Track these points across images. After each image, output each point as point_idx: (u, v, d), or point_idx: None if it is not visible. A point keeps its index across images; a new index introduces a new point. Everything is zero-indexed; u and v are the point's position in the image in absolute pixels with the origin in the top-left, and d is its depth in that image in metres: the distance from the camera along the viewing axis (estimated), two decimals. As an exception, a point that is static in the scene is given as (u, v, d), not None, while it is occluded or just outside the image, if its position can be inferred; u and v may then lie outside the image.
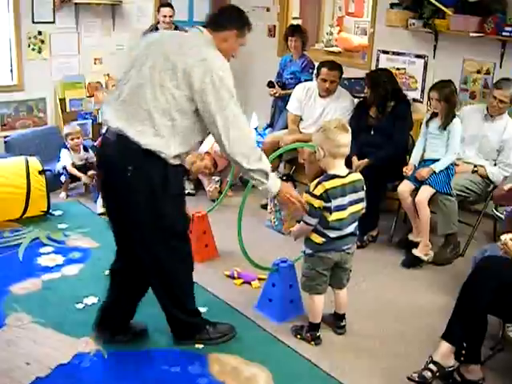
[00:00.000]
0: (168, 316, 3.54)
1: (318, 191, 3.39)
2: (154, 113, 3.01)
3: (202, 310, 3.90)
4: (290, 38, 6.54)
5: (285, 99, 6.28)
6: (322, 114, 5.66)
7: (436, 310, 4.14)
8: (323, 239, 3.47)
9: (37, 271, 4.41)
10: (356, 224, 3.62)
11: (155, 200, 3.09)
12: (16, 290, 4.15)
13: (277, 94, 6.57)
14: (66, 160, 5.96)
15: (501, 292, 3.13)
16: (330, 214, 3.41)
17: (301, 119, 5.85)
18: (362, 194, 3.60)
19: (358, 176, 3.60)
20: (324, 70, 5.57)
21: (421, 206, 4.76)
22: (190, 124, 3.10)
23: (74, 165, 5.95)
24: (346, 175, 3.49)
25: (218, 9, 3.39)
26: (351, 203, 3.50)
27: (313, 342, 3.67)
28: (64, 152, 6.03)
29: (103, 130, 3.34)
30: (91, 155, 6.00)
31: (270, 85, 6.59)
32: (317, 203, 3.40)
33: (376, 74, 5.27)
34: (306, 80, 6.23)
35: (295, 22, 7.40)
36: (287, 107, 5.95)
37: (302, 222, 3.51)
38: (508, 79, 4.99)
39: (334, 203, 3.41)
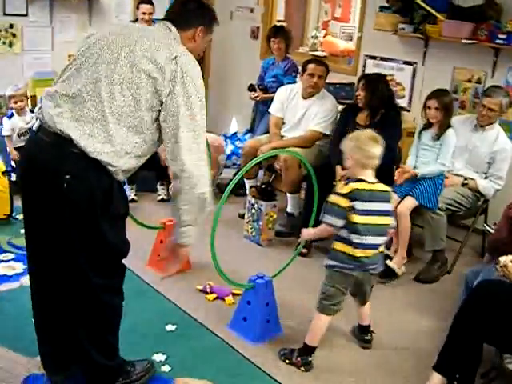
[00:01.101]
0: (85, 360, 2.88)
1: (346, 190, 3.22)
2: (108, 115, 2.52)
3: (171, 327, 3.63)
4: (272, 39, 6.26)
5: (267, 103, 6.02)
6: (304, 116, 5.39)
7: (422, 333, 3.88)
8: (350, 247, 3.26)
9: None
10: (384, 241, 3.38)
11: (94, 219, 2.58)
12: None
13: (258, 98, 6.30)
14: (6, 129, 5.62)
15: (499, 320, 2.87)
16: (357, 215, 3.21)
17: (282, 123, 5.57)
18: (390, 207, 3.40)
19: (387, 187, 3.39)
20: (311, 65, 5.34)
21: (402, 216, 4.51)
22: (148, 133, 2.65)
23: (18, 134, 5.63)
24: (375, 183, 3.32)
25: (180, 2, 2.86)
26: (380, 213, 3.30)
27: (303, 368, 3.39)
28: (4, 121, 5.64)
29: (34, 127, 2.69)
30: None
31: (251, 88, 6.33)
32: (343, 202, 3.20)
33: (374, 78, 5.01)
34: (288, 83, 5.96)
35: (279, 24, 7.13)
36: (269, 110, 5.67)
37: (322, 224, 3.32)
38: (498, 87, 4.83)
39: (361, 206, 3.21)
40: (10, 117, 5.65)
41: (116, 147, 2.54)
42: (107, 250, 2.69)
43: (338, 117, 5.27)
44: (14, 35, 6.44)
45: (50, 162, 2.53)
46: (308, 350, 3.41)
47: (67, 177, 2.48)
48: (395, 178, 4.68)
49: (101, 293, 2.74)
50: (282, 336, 3.65)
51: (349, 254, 3.27)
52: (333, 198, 3.25)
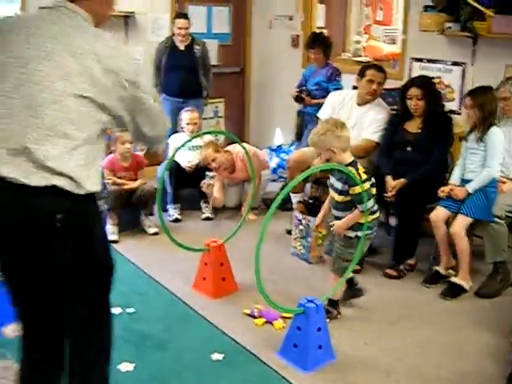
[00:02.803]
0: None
1: (365, 175, 3.61)
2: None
3: (218, 356, 3.42)
4: (310, 49, 6.06)
5: (311, 114, 5.81)
6: (356, 124, 5.09)
7: (485, 353, 3.57)
8: (370, 216, 3.69)
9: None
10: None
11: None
12: (8, 331, 3.65)
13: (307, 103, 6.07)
14: None
15: None
16: (373, 189, 3.69)
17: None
18: None
19: None
20: (371, 71, 5.08)
21: (457, 238, 4.24)
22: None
23: None
24: None
25: None
26: None
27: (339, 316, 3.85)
28: None
29: None
30: None
31: (299, 99, 6.09)
32: (368, 185, 3.59)
33: (429, 83, 4.75)
34: (335, 89, 5.74)
35: (319, 31, 6.91)
36: (318, 114, 5.42)
37: (355, 212, 3.67)
38: None
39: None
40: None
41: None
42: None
43: (386, 125, 4.99)
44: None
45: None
46: (335, 303, 3.83)
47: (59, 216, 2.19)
48: (441, 192, 4.42)
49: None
50: (336, 363, 3.40)
51: (369, 222, 3.67)
52: (361, 187, 3.50)
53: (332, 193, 3.81)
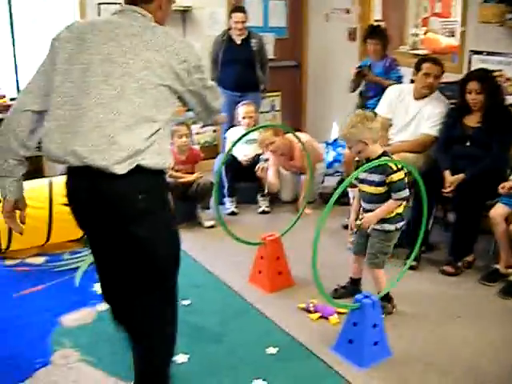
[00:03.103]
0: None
1: (400, 163, 3.63)
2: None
3: (272, 350, 3.44)
4: (368, 40, 5.99)
5: (372, 107, 5.75)
6: (414, 118, 5.04)
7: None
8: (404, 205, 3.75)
9: (92, 300, 4.01)
10: None
11: None
12: (67, 321, 3.76)
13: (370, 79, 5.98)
14: None
15: None
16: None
17: (390, 125, 5.27)
18: None
19: None
20: (427, 64, 5.01)
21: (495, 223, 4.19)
22: None
23: None
24: None
25: None
26: None
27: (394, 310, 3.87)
28: None
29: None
30: None
31: (360, 75, 6.00)
32: (403, 173, 3.63)
33: (488, 77, 4.66)
34: (397, 77, 5.73)
35: (375, 24, 6.83)
36: (376, 110, 5.37)
37: (390, 201, 3.66)
38: None
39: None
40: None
41: None
42: None
43: (444, 119, 4.90)
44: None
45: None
46: (386, 296, 3.80)
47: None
48: (501, 189, 4.32)
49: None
50: (391, 360, 3.37)
51: (401, 213, 3.75)
52: (398, 175, 3.59)
53: (364, 187, 3.79)
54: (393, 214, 3.70)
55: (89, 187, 2.39)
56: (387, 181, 3.62)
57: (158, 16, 2.64)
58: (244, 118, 5.97)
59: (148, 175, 2.41)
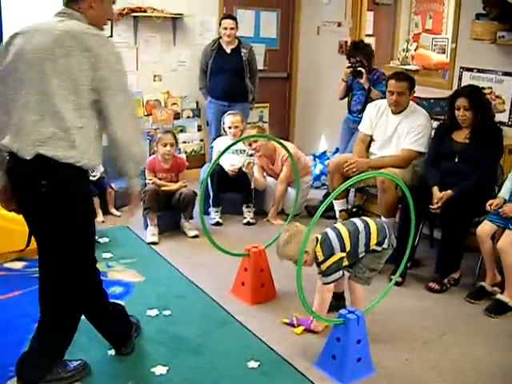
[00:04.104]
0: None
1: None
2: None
3: (253, 364, 3.36)
4: (351, 59, 5.94)
5: (356, 120, 5.72)
6: (394, 133, 5.04)
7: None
8: None
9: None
10: None
11: None
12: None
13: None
14: None
15: None
16: None
17: (371, 140, 5.25)
18: None
19: None
20: (391, 81, 4.99)
21: (503, 253, 4.08)
22: None
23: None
24: None
25: None
26: None
27: None
28: None
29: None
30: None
31: (356, 73, 5.89)
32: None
33: (478, 94, 4.62)
34: (381, 91, 5.66)
35: (366, 39, 6.80)
36: (359, 127, 5.36)
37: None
38: None
39: None
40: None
41: None
42: None
43: (433, 135, 4.88)
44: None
45: None
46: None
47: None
48: (489, 206, 4.28)
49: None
50: (374, 377, 3.30)
51: None
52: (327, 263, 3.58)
53: None
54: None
55: None
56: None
57: (92, 15, 2.74)
58: (230, 127, 5.90)
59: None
